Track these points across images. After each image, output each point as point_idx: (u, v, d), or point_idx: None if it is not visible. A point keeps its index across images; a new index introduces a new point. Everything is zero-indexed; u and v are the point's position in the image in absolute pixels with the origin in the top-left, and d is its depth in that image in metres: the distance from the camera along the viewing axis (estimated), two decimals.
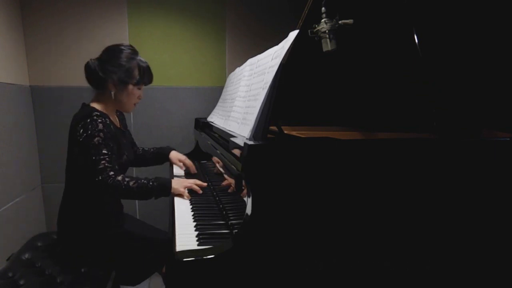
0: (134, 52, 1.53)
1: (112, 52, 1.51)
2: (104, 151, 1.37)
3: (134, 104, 1.60)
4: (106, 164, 1.35)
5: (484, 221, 1.04)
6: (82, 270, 1.41)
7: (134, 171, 2.53)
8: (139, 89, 1.57)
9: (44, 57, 2.37)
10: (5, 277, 1.36)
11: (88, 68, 1.49)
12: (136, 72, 1.51)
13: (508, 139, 1.09)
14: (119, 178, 1.36)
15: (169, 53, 2.56)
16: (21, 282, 1.34)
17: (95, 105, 1.50)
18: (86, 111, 1.42)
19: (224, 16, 2.60)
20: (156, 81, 2.51)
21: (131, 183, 1.38)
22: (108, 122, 1.43)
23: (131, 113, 2.51)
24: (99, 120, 1.39)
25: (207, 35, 2.60)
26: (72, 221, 1.49)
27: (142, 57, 1.56)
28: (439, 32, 1.26)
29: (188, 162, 1.85)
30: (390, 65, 1.47)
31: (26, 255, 1.50)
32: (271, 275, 0.90)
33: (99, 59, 1.50)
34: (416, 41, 1.13)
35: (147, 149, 1.94)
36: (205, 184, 1.54)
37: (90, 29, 2.40)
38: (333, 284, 0.94)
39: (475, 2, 1.29)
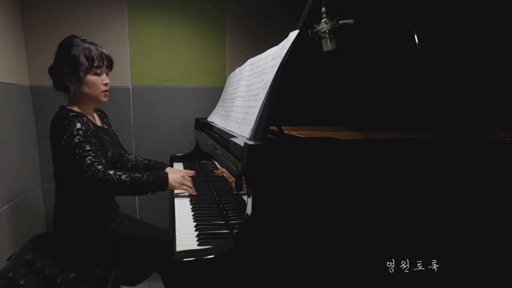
0: (80, 40, 1.48)
1: (58, 49, 1.50)
2: (88, 148, 1.35)
3: (104, 93, 1.52)
4: (92, 159, 1.34)
5: (484, 221, 1.04)
6: (82, 270, 1.41)
7: None
8: (97, 74, 1.48)
9: (44, 57, 2.33)
10: (5, 277, 1.36)
11: (48, 73, 1.50)
12: (82, 59, 1.44)
13: (508, 139, 1.09)
14: (110, 172, 1.34)
15: (169, 53, 2.55)
16: (21, 282, 1.34)
17: (70, 106, 1.50)
18: (62, 113, 1.42)
19: (224, 16, 2.60)
20: (156, 81, 2.55)
21: (123, 177, 1.35)
22: (85, 120, 1.42)
23: (131, 113, 2.51)
24: (76, 120, 1.38)
25: (207, 35, 2.60)
26: (67, 224, 1.50)
27: (93, 43, 1.50)
28: (440, 32, 1.26)
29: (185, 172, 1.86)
30: (390, 65, 1.47)
31: (26, 255, 1.50)
32: (272, 275, 0.90)
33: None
34: (416, 41, 1.13)
35: (140, 159, 1.85)
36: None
37: (90, 29, 2.40)
38: (334, 284, 0.94)
39: (475, 2, 1.30)
